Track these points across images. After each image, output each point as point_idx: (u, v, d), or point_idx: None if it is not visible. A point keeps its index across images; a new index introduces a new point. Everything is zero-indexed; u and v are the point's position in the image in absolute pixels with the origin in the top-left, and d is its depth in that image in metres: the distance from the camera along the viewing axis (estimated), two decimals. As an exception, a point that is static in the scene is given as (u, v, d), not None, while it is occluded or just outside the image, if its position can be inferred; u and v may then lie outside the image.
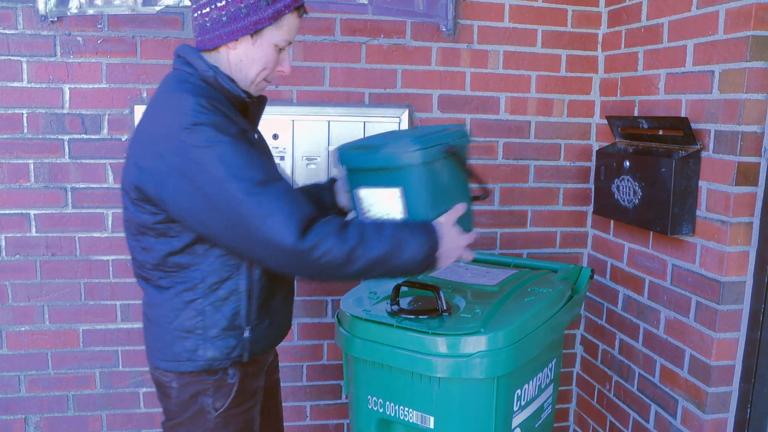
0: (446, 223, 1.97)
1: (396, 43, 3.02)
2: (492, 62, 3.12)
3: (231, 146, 1.74)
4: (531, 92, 3.18)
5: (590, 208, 3.34)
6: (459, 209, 2.02)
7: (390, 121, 3.03)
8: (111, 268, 2.98)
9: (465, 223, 2.07)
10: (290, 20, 1.93)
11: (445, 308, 2.20)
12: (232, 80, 1.91)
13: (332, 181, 2.31)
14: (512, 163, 3.22)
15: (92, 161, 2.89)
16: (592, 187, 3.30)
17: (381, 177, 1.98)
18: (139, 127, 1.88)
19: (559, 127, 3.25)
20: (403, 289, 2.41)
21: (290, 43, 1.97)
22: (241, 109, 1.96)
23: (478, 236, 2.10)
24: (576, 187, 3.32)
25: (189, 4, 2.40)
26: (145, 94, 2.88)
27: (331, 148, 3.00)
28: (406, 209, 1.98)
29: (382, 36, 3.01)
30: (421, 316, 2.19)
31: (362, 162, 2.01)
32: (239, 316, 1.95)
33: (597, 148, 3.22)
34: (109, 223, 2.95)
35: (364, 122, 3.01)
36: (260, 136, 2.14)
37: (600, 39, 3.20)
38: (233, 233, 1.76)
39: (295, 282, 2.26)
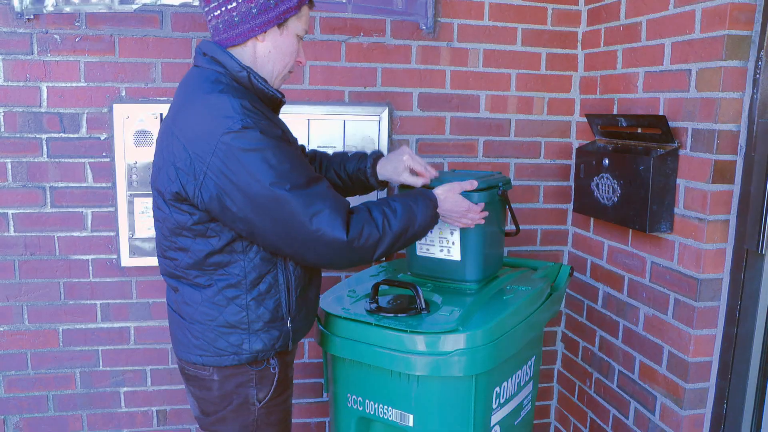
0: (445, 190, 2.21)
1: (376, 41, 3.03)
2: (472, 60, 3.12)
3: (277, 149, 1.80)
4: (511, 90, 3.19)
5: (570, 206, 3.35)
6: (464, 185, 2.26)
7: (370, 119, 3.03)
8: (91, 268, 2.96)
9: (498, 252, 2.55)
10: (305, 10, 2.01)
11: (423, 306, 2.21)
12: (264, 80, 1.95)
13: (377, 157, 2.37)
14: (493, 161, 3.23)
15: (71, 160, 2.88)
16: (572, 185, 3.31)
17: None
18: (169, 127, 1.90)
19: (540, 125, 3.25)
20: (383, 287, 2.41)
21: (306, 33, 2.04)
22: (273, 108, 2.01)
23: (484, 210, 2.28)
24: (556, 185, 3.33)
25: (197, 4, 2.39)
26: (124, 93, 2.87)
27: (311, 146, 3.00)
28: (461, 243, 2.39)
29: (361, 34, 3.01)
30: (399, 315, 2.20)
31: None
32: (281, 308, 2.02)
33: (577, 146, 3.23)
34: (89, 222, 2.93)
35: (344, 120, 3.01)
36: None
37: (579, 37, 3.21)
38: (280, 231, 1.83)
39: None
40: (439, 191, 2.21)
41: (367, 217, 1.94)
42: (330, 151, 2.82)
